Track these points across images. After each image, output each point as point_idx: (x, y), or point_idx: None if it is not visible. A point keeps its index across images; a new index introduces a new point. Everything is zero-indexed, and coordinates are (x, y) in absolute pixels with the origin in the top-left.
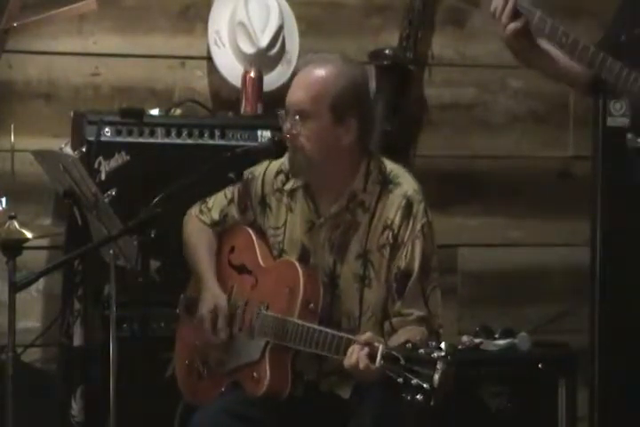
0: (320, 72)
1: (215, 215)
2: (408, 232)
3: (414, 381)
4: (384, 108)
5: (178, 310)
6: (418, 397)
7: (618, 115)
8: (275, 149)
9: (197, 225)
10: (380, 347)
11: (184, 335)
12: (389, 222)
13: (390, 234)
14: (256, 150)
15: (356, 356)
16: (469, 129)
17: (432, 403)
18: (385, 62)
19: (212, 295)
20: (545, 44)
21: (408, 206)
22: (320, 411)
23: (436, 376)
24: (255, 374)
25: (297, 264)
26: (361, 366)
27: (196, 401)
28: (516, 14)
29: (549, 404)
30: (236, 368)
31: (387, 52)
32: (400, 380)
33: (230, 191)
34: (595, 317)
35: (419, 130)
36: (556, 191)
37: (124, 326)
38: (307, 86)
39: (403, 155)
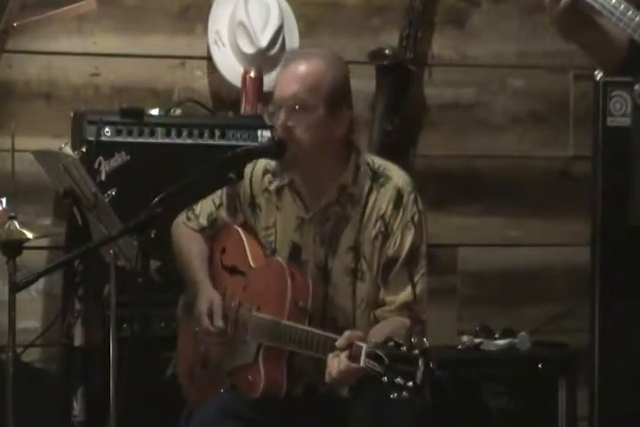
0: (312, 65)
1: (203, 221)
2: (398, 221)
3: (398, 379)
4: (384, 108)
5: (178, 312)
6: (404, 394)
7: (618, 114)
8: (275, 149)
9: (186, 231)
10: (364, 346)
11: (185, 339)
12: (382, 213)
13: (382, 224)
14: (256, 150)
15: (337, 360)
16: (469, 129)
17: (418, 400)
18: (385, 62)
19: (207, 296)
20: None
21: (399, 197)
22: (319, 411)
23: (419, 373)
24: (250, 377)
25: (283, 263)
26: (342, 367)
27: (198, 403)
28: None
29: (549, 404)
30: (233, 370)
31: (387, 52)
32: (384, 379)
33: (218, 196)
34: (595, 317)
35: (419, 130)
36: (556, 191)
37: (124, 326)
38: (301, 79)
39: (403, 155)
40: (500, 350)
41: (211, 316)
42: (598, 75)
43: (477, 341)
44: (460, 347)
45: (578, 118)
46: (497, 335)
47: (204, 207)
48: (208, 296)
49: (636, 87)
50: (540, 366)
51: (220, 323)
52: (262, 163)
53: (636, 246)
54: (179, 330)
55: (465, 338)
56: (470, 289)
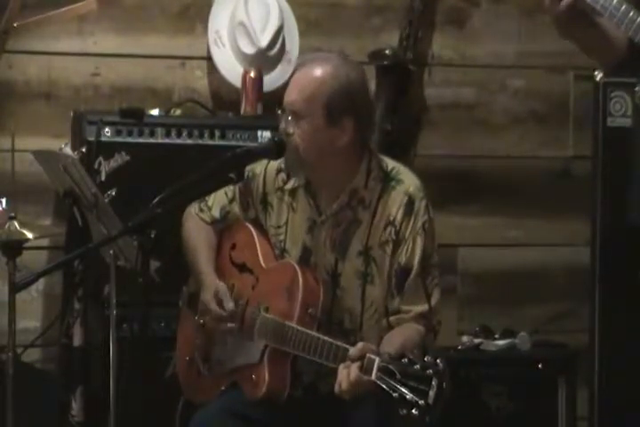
0: (316, 73)
1: (216, 213)
2: (409, 229)
3: (409, 396)
4: (384, 108)
5: (180, 304)
6: (413, 411)
7: (618, 115)
8: (275, 150)
9: (197, 223)
10: (377, 360)
11: (185, 331)
12: (392, 219)
13: (392, 230)
14: (256, 151)
15: (347, 371)
16: (469, 129)
17: (427, 419)
18: (385, 62)
19: (212, 285)
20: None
21: (410, 203)
22: (320, 412)
23: (431, 393)
24: (254, 376)
25: (297, 268)
26: (352, 378)
27: (196, 398)
28: None
29: (549, 404)
30: (236, 368)
31: (387, 52)
32: (395, 395)
33: (231, 190)
34: (595, 317)
35: (419, 130)
36: (556, 191)
37: (124, 326)
38: (301, 87)
39: (403, 154)
40: (500, 350)
41: (219, 301)
42: (598, 75)
43: (477, 341)
44: (460, 347)
45: (578, 118)
46: (497, 336)
47: (217, 200)
48: (213, 285)
49: (637, 89)
50: (540, 366)
51: (230, 305)
52: (277, 161)
53: (636, 247)
54: (179, 322)
55: (465, 338)
56: (470, 289)
